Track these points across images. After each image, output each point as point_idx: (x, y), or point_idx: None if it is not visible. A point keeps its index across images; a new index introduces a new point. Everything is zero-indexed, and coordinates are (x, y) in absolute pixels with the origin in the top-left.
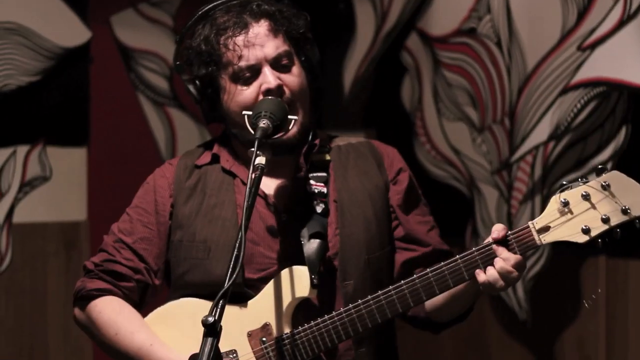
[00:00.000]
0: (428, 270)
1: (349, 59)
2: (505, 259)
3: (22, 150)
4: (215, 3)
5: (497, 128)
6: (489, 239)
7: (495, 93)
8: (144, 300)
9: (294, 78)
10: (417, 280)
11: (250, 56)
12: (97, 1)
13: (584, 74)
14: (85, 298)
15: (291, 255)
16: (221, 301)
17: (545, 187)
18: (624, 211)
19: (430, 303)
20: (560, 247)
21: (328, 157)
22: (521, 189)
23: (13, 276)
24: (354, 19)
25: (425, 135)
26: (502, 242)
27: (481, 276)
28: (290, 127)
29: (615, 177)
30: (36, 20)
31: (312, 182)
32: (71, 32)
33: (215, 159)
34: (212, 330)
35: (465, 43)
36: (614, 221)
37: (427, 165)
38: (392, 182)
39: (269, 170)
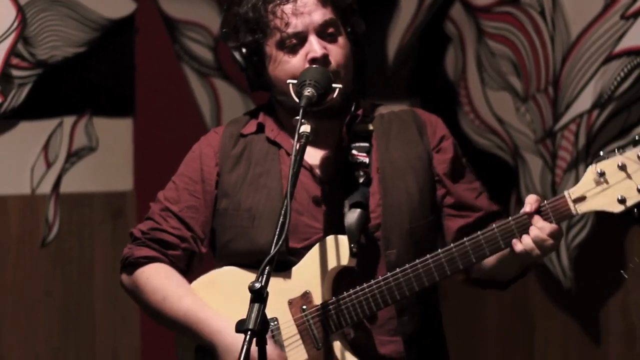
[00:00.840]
0: (465, 239)
1: (393, 29)
2: (540, 227)
3: (68, 121)
4: None
5: (540, 97)
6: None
7: (539, 62)
8: (191, 268)
9: (339, 48)
10: (454, 249)
11: (298, 24)
12: None
13: (627, 42)
14: (133, 265)
15: (334, 225)
16: (267, 267)
17: (589, 156)
18: None
19: (486, 266)
20: (604, 215)
21: (371, 127)
22: (565, 158)
23: (60, 246)
24: None
25: (469, 105)
26: (538, 211)
27: (518, 246)
28: (334, 95)
29: None
30: None
31: (354, 152)
32: (116, 4)
33: (261, 128)
34: (258, 295)
35: (508, 12)
36: None
37: (471, 134)
38: (435, 151)
39: (312, 140)
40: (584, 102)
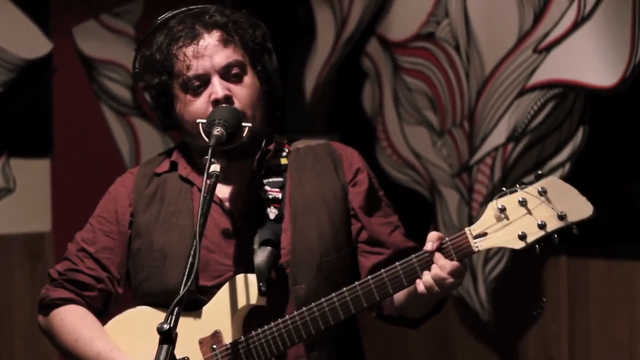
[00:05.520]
0: (369, 277)
1: (310, 65)
2: (441, 266)
3: None
4: (173, 12)
5: (456, 131)
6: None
7: (454, 96)
8: (108, 308)
9: (244, 88)
10: (358, 288)
11: (199, 67)
12: (59, 12)
13: (541, 75)
14: (49, 306)
15: (246, 262)
16: (176, 308)
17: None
18: (561, 217)
19: (397, 303)
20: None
21: (285, 162)
22: (481, 191)
23: None
24: (314, 25)
25: (387, 140)
26: (440, 248)
27: (420, 286)
28: (244, 135)
29: (552, 183)
30: None
31: (267, 187)
32: (33, 44)
33: (174, 166)
34: (167, 337)
35: (424, 47)
36: (550, 227)
37: (388, 169)
38: (351, 185)
39: (225, 176)
40: (499, 135)
